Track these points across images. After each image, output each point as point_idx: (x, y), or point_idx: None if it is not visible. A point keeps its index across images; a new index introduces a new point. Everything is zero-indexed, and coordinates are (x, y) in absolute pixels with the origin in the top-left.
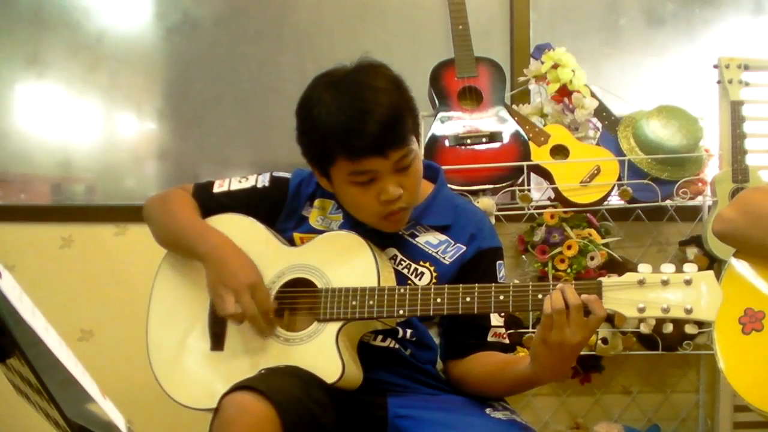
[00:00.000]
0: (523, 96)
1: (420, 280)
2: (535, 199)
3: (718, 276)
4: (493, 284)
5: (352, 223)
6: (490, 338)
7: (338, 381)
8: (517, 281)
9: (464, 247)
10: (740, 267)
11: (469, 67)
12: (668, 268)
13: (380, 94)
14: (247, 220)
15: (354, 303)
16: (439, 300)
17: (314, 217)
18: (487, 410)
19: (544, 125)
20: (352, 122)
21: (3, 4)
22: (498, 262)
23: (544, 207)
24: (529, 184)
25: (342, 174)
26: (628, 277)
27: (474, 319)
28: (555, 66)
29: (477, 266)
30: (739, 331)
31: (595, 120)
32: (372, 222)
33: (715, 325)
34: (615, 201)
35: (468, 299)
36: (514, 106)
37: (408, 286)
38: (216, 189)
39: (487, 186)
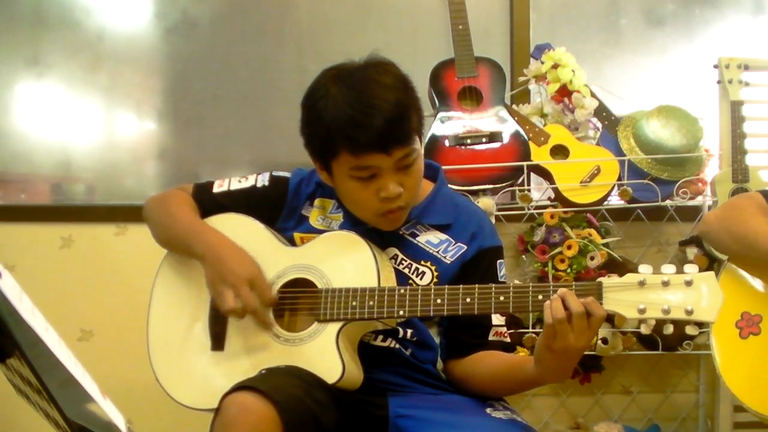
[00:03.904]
0: (523, 96)
1: (421, 279)
2: (535, 199)
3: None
4: (493, 285)
5: (353, 223)
6: (491, 337)
7: (339, 381)
8: (517, 281)
9: (465, 246)
10: (737, 270)
11: (469, 67)
12: (669, 269)
13: (387, 90)
14: (247, 219)
15: (354, 303)
16: (439, 300)
17: (314, 217)
18: (488, 410)
19: (544, 125)
20: (358, 116)
21: (3, 4)
22: (499, 261)
23: (544, 207)
24: (529, 184)
25: (343, 168)
26: (629, 278)
27: (475, 318)
28: (555, 66)
29: (478, 265)
30: (736, 335)
31: (595, 120)
32: (368, 219)
33: (712, 329)
34: (615, 201)
35: (468, 300)
36: (514, 106)
37: (408, 287)
38: (216, 189)
39: (487, 186)
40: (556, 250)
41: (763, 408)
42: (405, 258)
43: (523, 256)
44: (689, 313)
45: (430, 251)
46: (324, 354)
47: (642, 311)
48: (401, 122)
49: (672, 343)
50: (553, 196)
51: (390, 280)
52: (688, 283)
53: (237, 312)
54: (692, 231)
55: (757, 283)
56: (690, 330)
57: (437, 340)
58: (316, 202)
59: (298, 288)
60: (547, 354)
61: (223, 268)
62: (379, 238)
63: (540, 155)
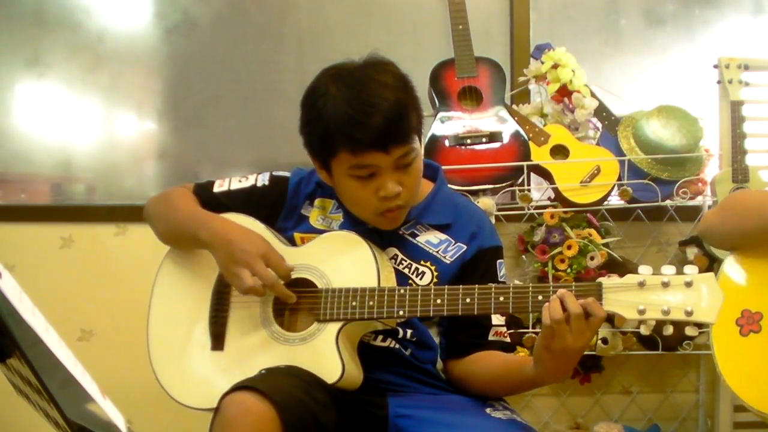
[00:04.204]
0: (523, 96)
1: (421, 279)
2: (535, 199)
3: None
4: (493, 285)
5: (353, 223)
6: (491, 337)
7: (338, 381)
8: (517, 281)
9: (465, 246)
10: (737, 268)
11: (469, 67)
12: (669, 269)
13: (387, 89)
14: (247, 219)
15: (354, 303)
16: (439, 301)
17: (314, 217)
18: (488, 410)
19: (544, 125)
20: (357, 115)
21: (3, 4)
22: (498, 261)
23: (544, 207)
24: (529, 184)
25: (343, 167)
26: (629, 278)
27: (475, 318)
28: (555, 66)
29: (478, 265)
30: (736, 333)
31: (595, 120)
32: (367, 218)
33: (712, 327)
34: (615, 201)
35: (468, 300)
36: (514, 106)
37: (408, 287)
38: (216, 189)
39: (487, 186)
40: (556, 250)
41: (764, 406)
42: (405, 258)
43: (523, 256)
44: (689, 314)
45: (430, 251)
46: (324, 354)
47: (642, 312)
48: (400, 121)
49: (672, 343)
50: (553, 196)
51: (390, 280)
52: (688, 284)
53: (257, 290)
54: (692, 231)
55: (757, 280)
56: (690, 331)
57: (437, 340)
58: (316, 202)
59: (298, 288)
60: (545, 354)
61: (233, 249)
62: (379, 238)
63: (540, 155)
